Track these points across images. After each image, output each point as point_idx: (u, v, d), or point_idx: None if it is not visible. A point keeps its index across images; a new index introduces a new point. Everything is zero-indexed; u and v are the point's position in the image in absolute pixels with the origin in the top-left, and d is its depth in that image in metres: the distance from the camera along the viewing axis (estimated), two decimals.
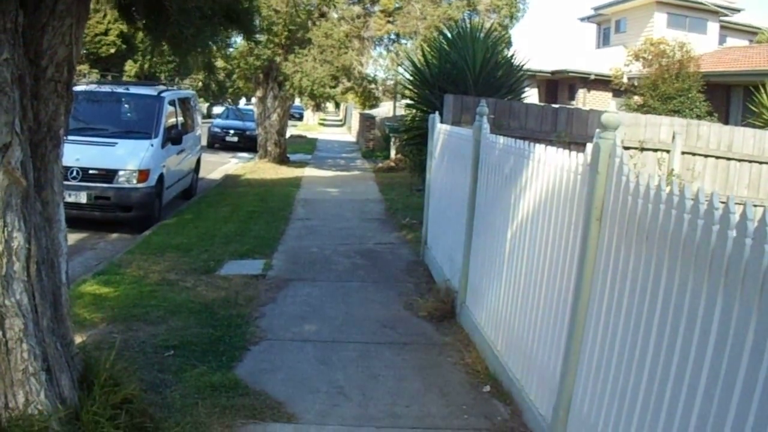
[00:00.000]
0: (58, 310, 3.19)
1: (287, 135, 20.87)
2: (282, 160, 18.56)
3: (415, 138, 10.77)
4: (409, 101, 12.35)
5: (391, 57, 16.23)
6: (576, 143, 7.49)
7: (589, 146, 3.08)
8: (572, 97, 23.75)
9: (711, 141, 8.47)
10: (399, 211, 10.94)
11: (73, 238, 7.75)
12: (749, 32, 26.59)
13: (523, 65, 10.76)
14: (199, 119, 13.33)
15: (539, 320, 3.71)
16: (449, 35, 11.08)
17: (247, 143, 22.23)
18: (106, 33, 27.12)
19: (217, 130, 23.54)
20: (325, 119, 54.61)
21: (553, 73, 23.51)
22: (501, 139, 4.72)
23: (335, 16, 15.78)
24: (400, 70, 15.22)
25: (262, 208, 10.90)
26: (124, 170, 9.11)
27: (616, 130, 2.96)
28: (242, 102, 33.21)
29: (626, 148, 7.80)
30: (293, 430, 3.65)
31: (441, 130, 7.18)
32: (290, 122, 25.89)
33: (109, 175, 9.04)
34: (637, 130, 8.42)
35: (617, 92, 20.52)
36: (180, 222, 9.59)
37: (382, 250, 8.28)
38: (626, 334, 2.67)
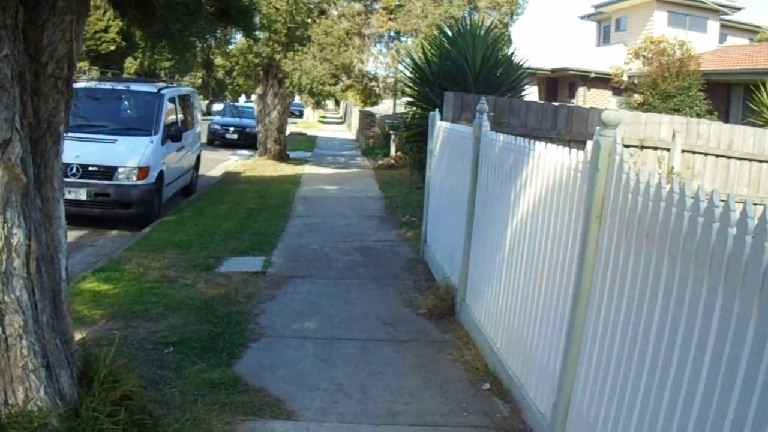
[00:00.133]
0: (57, 306, 3.19)
1: (287, 132, 20.86)
2: (282, 157, 18.55)
3: (415, 135, 10.77)
4: (409, 99, 12.35)
5: (392, 54, 16.21)
6: (576, 141, 7.50)
7: (590, 144, 3.08)
8: (572, 95, 23.74)
9: (711, 139, 8.47)
10: (399, 209, 10.94)
11: (72, 234, 7.75)
12: (750, 31, 26.61)
13: (523, 63, 10.77)
14: (198, 116, 13.32)
15: (539, 318, 3.71)
16: (450, 33, 11.08)
17: (247, 140, 22.22)
18: (106, 30, 27.07)
19: (217, 127, 23.54)
20: (325, 117, 54.60)
21: (553, 71, 23.50)
22: (501, 137, 4.71)
23: (335, 13, 15.75)
24: (401, 67, 15.21)
25: (262, 206, 10.90)
26: (124, 167, 9.11)
27: (617, 128, 2.95)
28: (242, 99, 33.18)
29: (626, 146, 7.80)
30: (293, 427, 3.65)
31: (441, 128, 7.17)
32: (290, 120, 25.90)
33: (109, 172, 9.04)
34: (637, 128, 8.43)
35: (617, 90, 20.51)
36: (180, 219, 9.59)
37: (381, 248, 8.28)
38: (626, 332, 2.67)
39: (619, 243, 2.80)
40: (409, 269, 7.28)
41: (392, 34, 16.18)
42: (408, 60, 12.26)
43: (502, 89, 9.88)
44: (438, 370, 4.56)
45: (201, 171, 13.67)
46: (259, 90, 18.27)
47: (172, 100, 10.94)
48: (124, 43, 27.72)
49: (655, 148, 8.47)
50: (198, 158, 12.98)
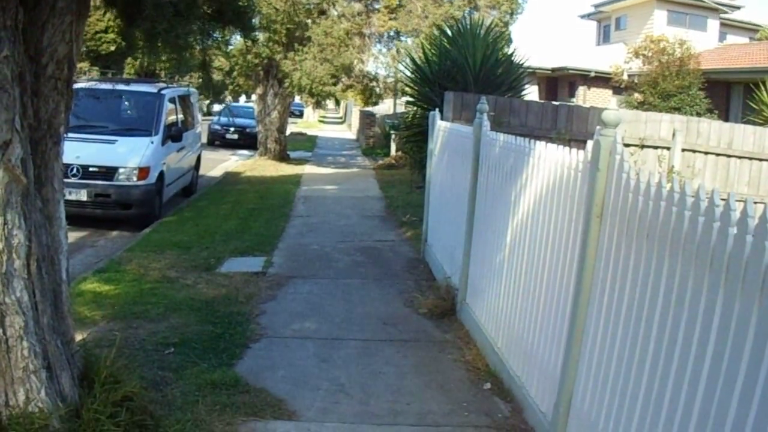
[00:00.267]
0: (58, 307, 3.20)
1: (287, 132, 20.86)
2: (282, 157, 18.55)
3: (415, 135, 10.77)
4: (409, 98, 12.35)
5: (392, 54, 16.21)
6: (576, 140, 7.50)
7: (590, 143, 3.08)
8: (572, 95, 23.74)
9: (711, 138, 8.47)
10: (399, 209, 10.93)
11: (73, 235, 7.75)
12: (749, 29, 26.60)
13: (523, 62, 10.76)
14: (199, 116, 13.33)
15: (540, 317, 3.71)
16: (449, 32, 11.08)
17: (247, 140, 22.23)
18: (106, 30, 27.02)
19: (217, 127, 23.55)
20: (325, 116, 54.59)
21: (553, 70, 23.49)
22: (501, 137, 4.71)
23: (335, 13, 15.74)
24: (401, 67, 15.20)
25: (263, 206, 10.90)
26: (125, 168, 9.11)
27: (617, 128, 2.95)
28: (242, 99, 33.17)
29: (626, 146, 7.79)
30: (294, 428, 3.65)
31: (441, 128, 7.17)
32: (290, 120, 25.89)
33: (109, 172, 9.04)
34: (637, 127, 8.42)
35: (617, 89, 20.50)
36: (180, 219, 9.59)
37: (382, 248, 8.28)
38: (627, 332, 2.67)
39: (620, 242, 2.79)
40: (410, 269, 7.28)
41: (392, 33, 16.17)
42: (408, 60, 12.26)
43: (502, 89, 9.88)
44: (439, 369, 4.56)
45: (201, 171, 13.67)
46: (259, 90, 18.28)
47: (172, 100, 10.94)
48: (124, 44, 27.67)
49: (656, 147, 8.47)
50: (198, 158, 12.98)
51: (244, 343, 4.84)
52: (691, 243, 2.24)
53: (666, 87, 16.04)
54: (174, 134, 10.43)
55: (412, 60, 11.60)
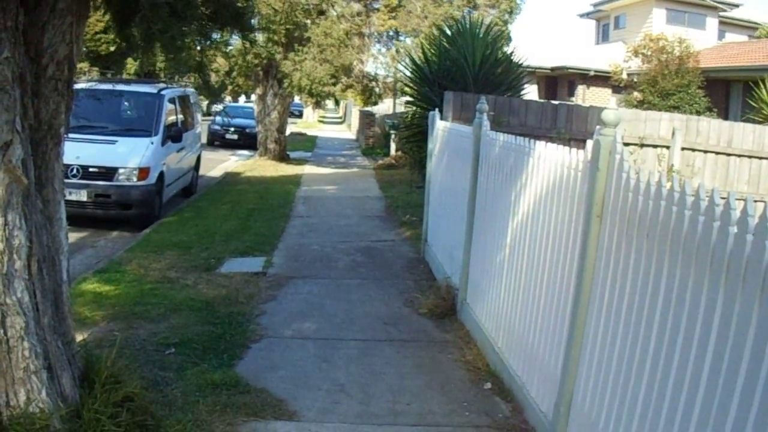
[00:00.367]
0: (59, 308, 3.20)
1: (287, 132, 20.86)
2: (282, 157, 18.56)
3: (415, 135, 10.76)
4: (409, 98, 12.35)
5: (392, 54, 16.21)
6: (576, 140, 7.51)
7: (590, 143, 3.08)
8: (572, 94, 23.74)
9: (711, 137, 8.48)
10: (399, 209, 10.94)
11: (73, 236, 7.75)
12: (748, 27, 26.60)
13: (522, 62, 10.76)
14: (198, 117, 13.33)
15: (540, 317, 3.71)
16: (449, 32, 11.08)
17: (247, 141, 22.23)
18: (105, 31, 26.98)
19: (216, 127, 23.55)
20: (324, 117, 54.59)
21: (552, 69, 23.50)
22: (501, 136, 4.71)
23: (334, 14, 15.74)
24: (400, 67, 15.20)
25: (263, 206, 10.90)
26: (125, 168, 9.11)
27: (617, 127, 2.95)
28: (242, 99, 33.16)
29: (626, 145, 7.77)
30: (294, 428, 3.65)
31: (441, 127, 7.17)
32: (290, 120, 25.89)
33: (109, 173, 9.04)
34: (636, 126, 8.43)
35: (617, 88, 20.52)
36: (180, 220, 9.60)
37: (382, 248, 8.28)
38: (627, 331, 2.67)
39: (620, 242, 2.80)
40: (410, 269, 7.28)
41: (392, 33, 16.17)
42: (407, 60, 12.26)
43: (501, 88, 9.88)
44: (439, 369, 4.56)
45: (201, 171, 13.68)
46: (258, 90, 18.27)
47: (172, 100, 10.94)
48: (123, 44, 27.65)
49: (655, 146, 8.47)
50: (198, 159, 12.98)
51: (244, 343, 4.84)
52: (691, 242, 2.24)
53: (665, 86, 16.06)
54: (174, 134, 10.44)
55: (412, 60, 11.59)
